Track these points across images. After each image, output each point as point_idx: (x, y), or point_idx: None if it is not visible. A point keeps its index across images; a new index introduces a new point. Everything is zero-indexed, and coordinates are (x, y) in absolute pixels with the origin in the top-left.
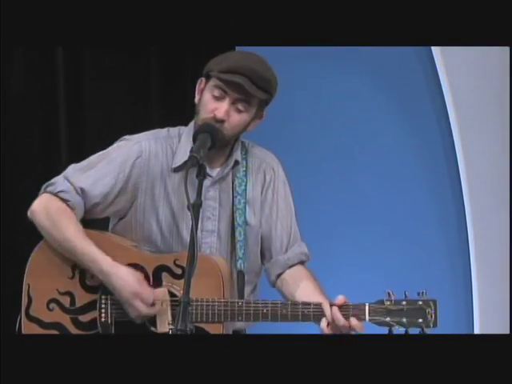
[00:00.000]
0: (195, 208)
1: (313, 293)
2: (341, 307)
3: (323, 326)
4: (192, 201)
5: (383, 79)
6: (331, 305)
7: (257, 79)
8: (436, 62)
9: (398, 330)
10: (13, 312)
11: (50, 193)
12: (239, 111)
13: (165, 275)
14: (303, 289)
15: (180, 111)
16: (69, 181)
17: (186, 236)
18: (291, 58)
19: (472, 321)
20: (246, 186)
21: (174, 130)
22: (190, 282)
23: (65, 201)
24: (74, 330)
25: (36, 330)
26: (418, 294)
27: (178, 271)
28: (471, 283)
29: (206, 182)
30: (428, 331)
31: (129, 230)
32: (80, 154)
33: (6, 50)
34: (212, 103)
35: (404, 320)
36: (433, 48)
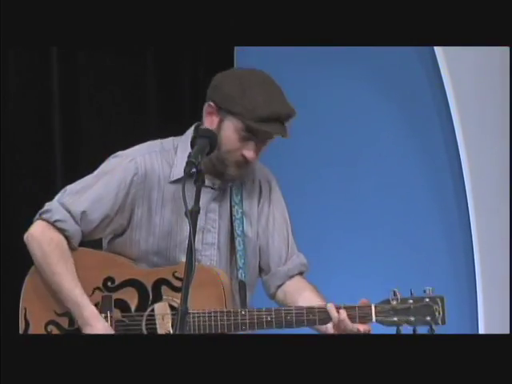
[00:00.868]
0: (193, 215)
1: (316, 301)
2: (346, 309)
3: (328, 326)
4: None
5: (384, 81)
6: (337, 308)
7: (287, 121)
8: (439, 64)
9: (406, 328)
10: (13, 312)
11: (47, 221)
12: (264, 146)
13: (164, 289)
14: (306, 297)
15: (177, 111)
16: (65, 207)
17: (185, 249)
18: (290, 60)
19: (476, 323)
20: (241, 196)
21: (168, 142)
22: (188, 291)
23: (61, 230)
24: None
25: None
26: (424, 291)
27: (178, 283)
28: (475, 285)
29: (208, 195)
30: (436, 329)
31: (124, 247)
32: (75, 155)
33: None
34: (237, 143)
35: (412, 318)
36: (435, 49)
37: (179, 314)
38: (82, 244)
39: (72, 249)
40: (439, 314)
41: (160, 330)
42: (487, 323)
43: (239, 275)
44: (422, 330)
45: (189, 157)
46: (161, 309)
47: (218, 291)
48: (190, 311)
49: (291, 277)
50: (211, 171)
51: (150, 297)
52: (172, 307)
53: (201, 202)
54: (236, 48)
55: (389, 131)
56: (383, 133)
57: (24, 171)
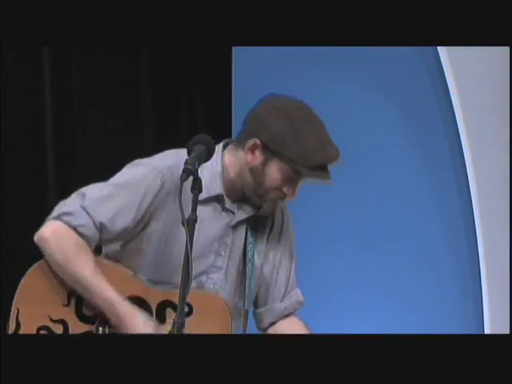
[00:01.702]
0: (190, 223)
1: None
2: None
3: None
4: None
5: (387, 84)
6: None
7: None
8: (443, 66)
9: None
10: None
11: (68, 224)
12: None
13: (169, 312)
14: None
15: (173, 112)
16: (88, 213)
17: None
18: (290, 62)
19: (482, 326)
20: (257, 221)
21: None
22: (184, 303)
23: (83, 235)
24: None
25: None
26: None
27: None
28: (481, 289)
29: (227, 220)
30: None
31: (126, 256)
32: (67, 156)
33: None
34: (281, 181)
35: None
36: (440, 51)
37: (175, 327)
38: None
39: None
40: None
41: None
42: (493, 327)
43: (246, 304)
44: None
45: (185, 163)
46: (162, 332)
47: (226, 322)
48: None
49: (286, 316)
50: (237, 197)
51: (154, 318)
52: None
53: (219, 226)
54: (233, 49)
55: (391, 135)
56: (385, 137)
57: (17, 175)
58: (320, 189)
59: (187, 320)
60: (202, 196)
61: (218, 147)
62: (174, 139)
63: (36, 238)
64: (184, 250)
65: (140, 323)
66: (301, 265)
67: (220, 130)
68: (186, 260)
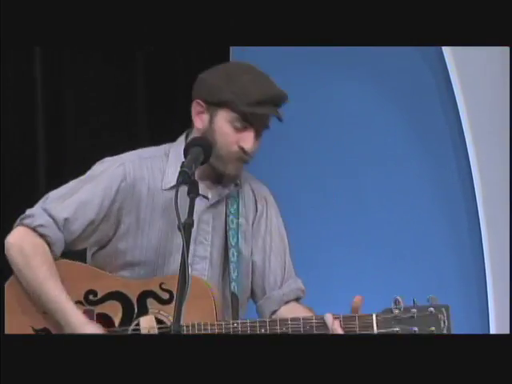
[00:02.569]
0: (187, 228)
1: None
2: (345, 319)
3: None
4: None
5: (390, 86)
6: (335, 318)
7: (282, 103)
8: (448, 68)
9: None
10: None
11: (28, 226)
12: (259, 137)
13: (150, 301)
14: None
15: (169, 112)
16: (48, 213)
17: (174, 261)
18: (290, 62)
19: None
20: (238, 206)
21: (159, 149)
22: (182, 308)
23: (43, 236)
24: None
25: None
26: (428, 299)
27: (165, 296)
28: (486, 292)
29: (202, 205)
30: None
31: (109, 259)
32: (58, 156)
33: None
34: (234, 135)
35: (415, 328)
36: (444, 52)
37: (172, 332)
38: (63, 255)
39: (54, 257)
40: (444, 323)
41: None
42: (498, 330)
43: (232, 287)
44: None
45: (182, 166)
46: (147, 322)
47: (209, 304)
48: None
49: (286, 302)
50: (207, 178)
51: (135, 310)
52: (159, 320)
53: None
54: (231, 49)
55: (395, 135)
56: (389, 137)
57: (8, 174)
58: (322, 190)
59: (168, 306)
60: (169, 183)
61: (182, 135)
62: (168, 140)
63: (5, 246)
64: (162, 233)
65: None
66: (303, 266)
67: None
68: (182, 266)
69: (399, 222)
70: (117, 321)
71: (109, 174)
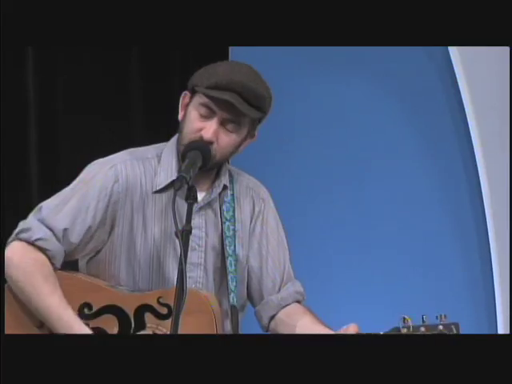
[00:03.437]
0: (184, 235)
1: (315, 324)
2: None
3: None
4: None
5: (396, 87)
6: None
7: (249, 96)
8: (455, 69)
9: None
10: None
11: (26, 241)
12: (228, 132)
13: (148, 316)
14: (303, 322)
15: (166, 112)
16: (45, 224)
17: (169, 269)
18: (291, 63)
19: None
20: (234, 212)
21: (150, 150)
22: (179, 320)
23: (43, 250)
24: None
25: None
26: (437, 317)
27: (163, 311)
28: (494, 299)
29: (194, 208)
30: None
31: (102, 267)
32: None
33: None
34: (198, 122)
35: None
36: (451, 52)
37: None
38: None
39: (54, 270)
40: None
41: None
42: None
43: (230, 299)
44: None
45: (179, 171)
46: None
47: (209, 318)
48: None
49: (284, 307)
50: (195, 181)
51: (132, 325)
52: None
53: (183, 216)
54: (229, 48)
55: (401, 137)
56: (395, 138)
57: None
58: (327, 192)
59: (166, 322)
60: (160, 184)
61: (175, 136)
62: (164, 140)
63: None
64: (156, 238)
65: None
66: (307, 269)
67: None
68: (180, 273)
69: (405, 228)
70: None
71: (101, 176)
